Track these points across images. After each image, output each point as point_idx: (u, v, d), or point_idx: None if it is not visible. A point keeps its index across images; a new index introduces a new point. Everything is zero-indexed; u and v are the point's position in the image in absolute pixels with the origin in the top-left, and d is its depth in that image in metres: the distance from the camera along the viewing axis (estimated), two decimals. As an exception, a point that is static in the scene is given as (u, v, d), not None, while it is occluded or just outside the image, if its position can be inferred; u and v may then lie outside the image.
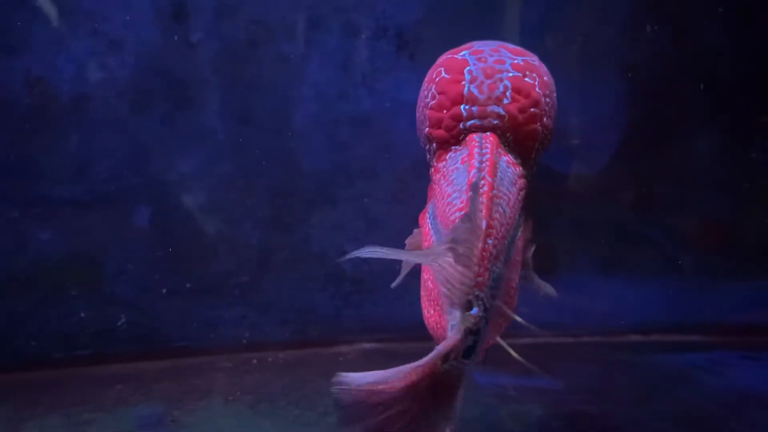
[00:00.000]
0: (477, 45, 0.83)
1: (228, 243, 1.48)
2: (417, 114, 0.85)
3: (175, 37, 1.41)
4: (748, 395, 1.27)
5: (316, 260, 1.54)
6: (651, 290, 1.63)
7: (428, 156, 0.84)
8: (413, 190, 1.57)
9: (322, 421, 1.13)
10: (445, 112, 0.76)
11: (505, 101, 0.75)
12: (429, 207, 0.81)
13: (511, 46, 0.83)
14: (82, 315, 1.42)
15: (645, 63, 1.63)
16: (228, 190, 1.48)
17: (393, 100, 1.53)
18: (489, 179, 0.67)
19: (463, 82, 0.76)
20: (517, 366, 1.28)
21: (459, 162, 0.73)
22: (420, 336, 1.57)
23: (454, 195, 0.70)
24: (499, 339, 1.01)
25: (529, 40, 1.57)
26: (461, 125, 0.76)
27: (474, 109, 0.75)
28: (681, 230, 1.68)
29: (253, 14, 1.44)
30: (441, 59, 0.83)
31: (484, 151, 0.71)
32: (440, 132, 0.77)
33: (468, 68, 0.77)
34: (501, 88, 0.75)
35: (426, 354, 0.63)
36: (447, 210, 0.71)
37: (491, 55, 0.78)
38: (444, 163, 0.77)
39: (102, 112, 1.40)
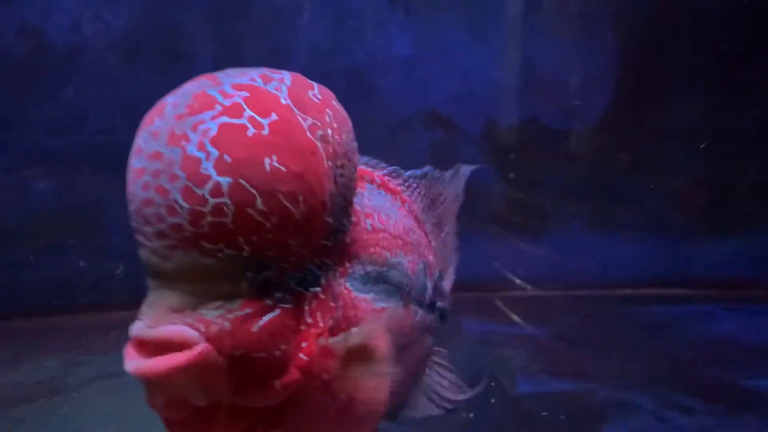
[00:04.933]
0: None
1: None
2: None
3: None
4: (723, 342, 1.31)
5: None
6: (640, 247, 1.66)
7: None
8: (403, 145, 1.58)
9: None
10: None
11: None
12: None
13: None
14: (81, 264, 1.44)
15: (639, 23, 1.63)
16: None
17: (386, 54, 1.53)
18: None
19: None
20: (505, 316, 1.30)
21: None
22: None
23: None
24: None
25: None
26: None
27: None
28: (669, 189, 1.69)
29: (246, -35, 1.44)
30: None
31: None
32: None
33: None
34: None
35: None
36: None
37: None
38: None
39: (96, 63, 1.40)
